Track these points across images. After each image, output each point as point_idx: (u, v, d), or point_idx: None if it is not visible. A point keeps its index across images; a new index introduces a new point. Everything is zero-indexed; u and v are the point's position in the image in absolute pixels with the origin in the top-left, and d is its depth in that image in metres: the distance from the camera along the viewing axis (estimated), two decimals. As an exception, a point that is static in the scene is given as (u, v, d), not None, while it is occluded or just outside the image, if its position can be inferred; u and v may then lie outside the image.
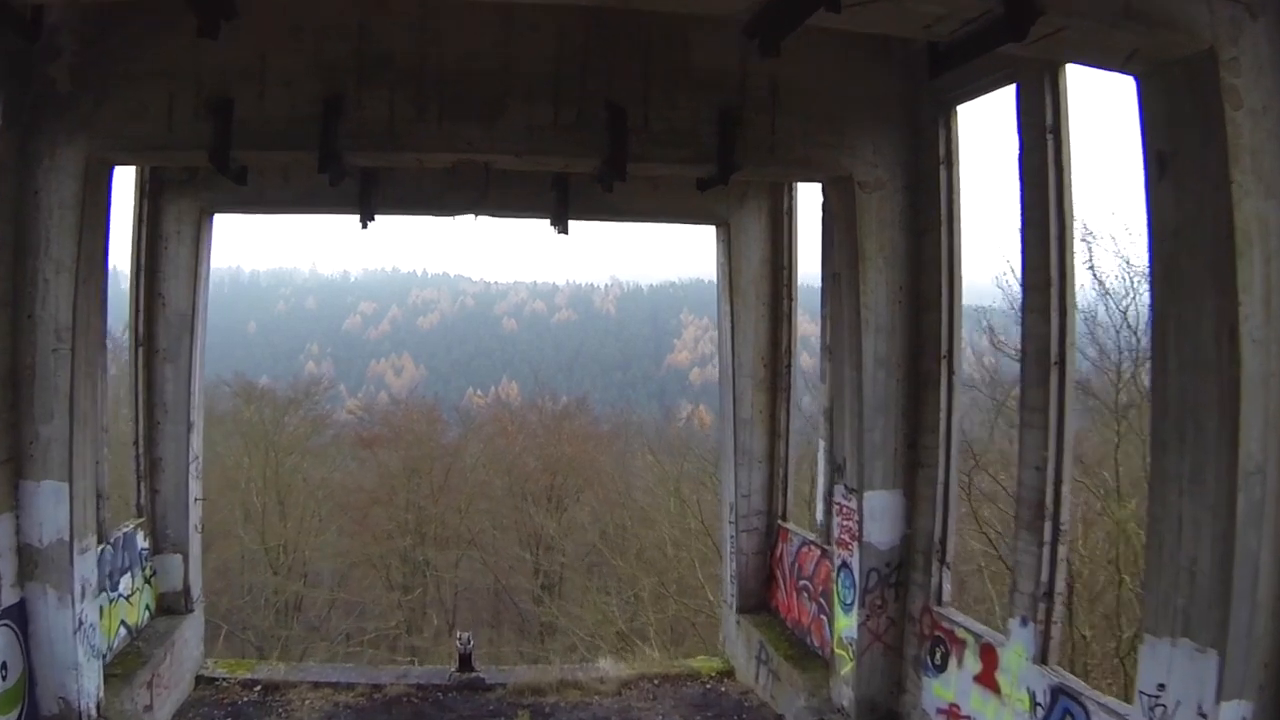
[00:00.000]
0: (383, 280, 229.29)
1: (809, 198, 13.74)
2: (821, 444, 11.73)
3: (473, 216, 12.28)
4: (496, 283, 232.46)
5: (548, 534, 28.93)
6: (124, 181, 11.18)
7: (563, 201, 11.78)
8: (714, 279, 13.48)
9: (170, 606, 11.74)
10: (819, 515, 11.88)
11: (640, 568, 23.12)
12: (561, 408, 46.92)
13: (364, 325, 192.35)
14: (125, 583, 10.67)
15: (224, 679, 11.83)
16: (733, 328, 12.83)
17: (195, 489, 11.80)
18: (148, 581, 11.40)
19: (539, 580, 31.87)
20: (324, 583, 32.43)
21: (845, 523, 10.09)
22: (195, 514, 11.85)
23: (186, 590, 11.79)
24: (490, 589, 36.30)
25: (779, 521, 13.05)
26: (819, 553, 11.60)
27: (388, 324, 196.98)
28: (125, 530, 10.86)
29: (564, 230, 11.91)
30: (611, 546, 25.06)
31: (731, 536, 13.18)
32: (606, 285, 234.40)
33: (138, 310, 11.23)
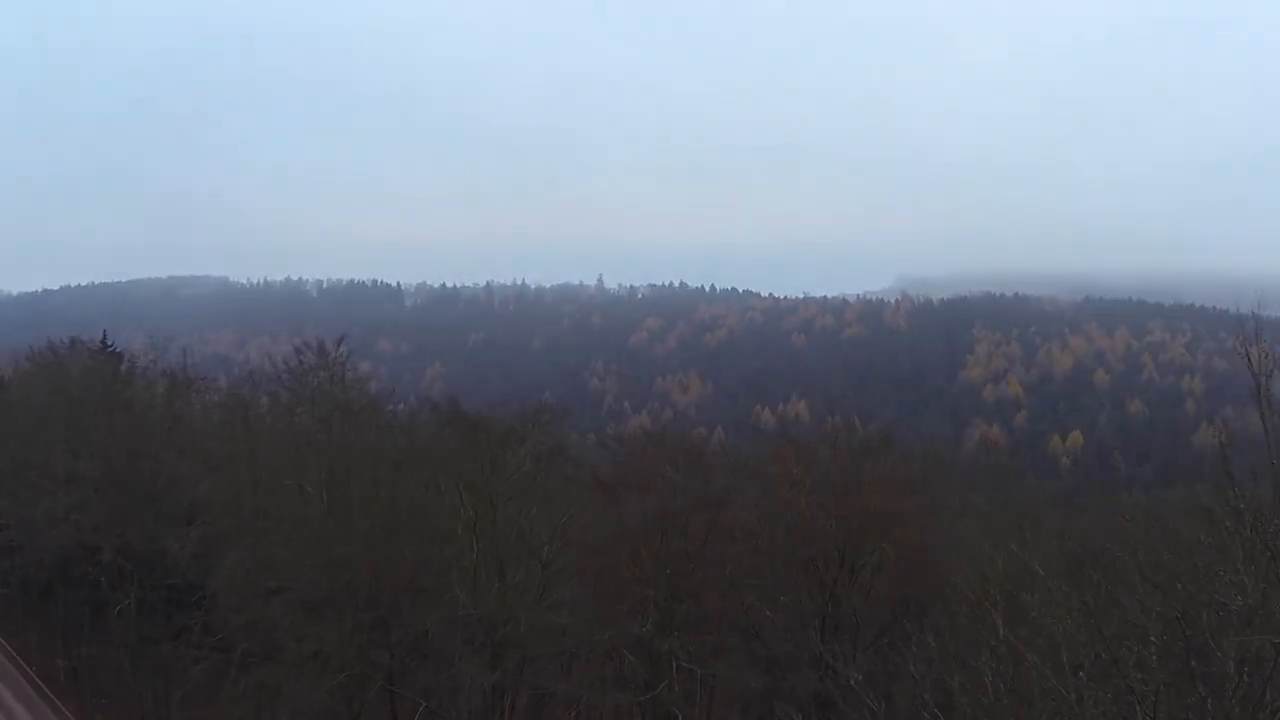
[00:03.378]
0: (669, 296, 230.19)
1: None
2: None
3: None
4: (785, 298, 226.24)
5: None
6: None
7: None
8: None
9: None
10: None
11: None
12: (860, 441, 37.42)
13: (650, 341, 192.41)
14: None
15: None
16: None
17: None
18: None
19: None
20: (541, 668, 25.54)
21: None
22: None
23: None
24: (760, 692, 27.59)
25: None
26: None
27: (674, 340, 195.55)
28: None
29: None
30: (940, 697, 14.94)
31: None
32: (896, 300, 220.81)
33: None
